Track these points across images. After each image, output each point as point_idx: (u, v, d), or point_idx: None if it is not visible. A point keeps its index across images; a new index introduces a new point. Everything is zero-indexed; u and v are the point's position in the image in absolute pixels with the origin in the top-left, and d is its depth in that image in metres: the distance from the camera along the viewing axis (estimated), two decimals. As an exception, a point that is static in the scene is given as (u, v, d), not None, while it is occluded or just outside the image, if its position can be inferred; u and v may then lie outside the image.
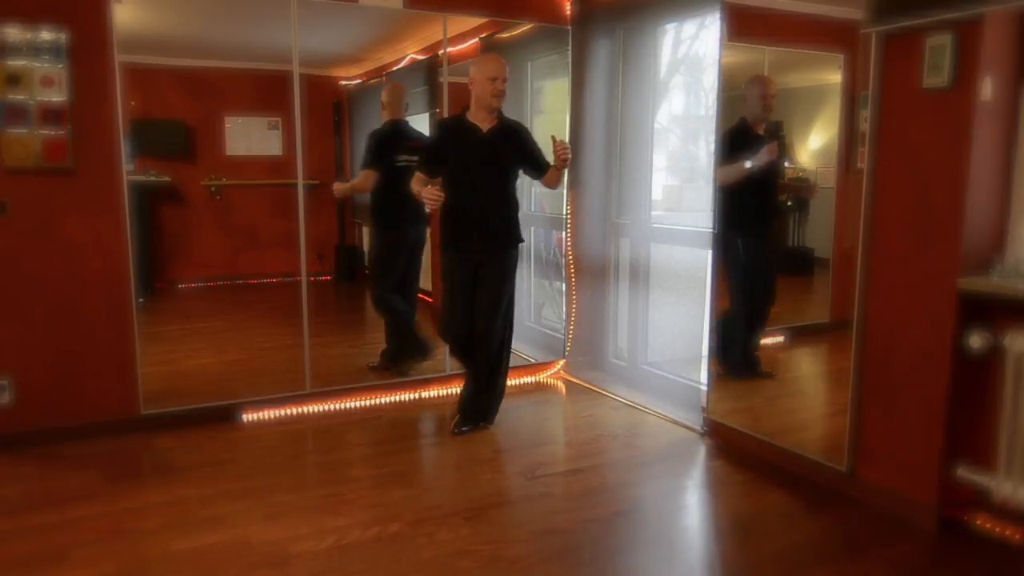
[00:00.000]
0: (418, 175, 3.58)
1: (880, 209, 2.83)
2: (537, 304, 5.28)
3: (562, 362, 4.75)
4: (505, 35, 4.56)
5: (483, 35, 4.47)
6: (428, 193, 3.40)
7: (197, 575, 2.43)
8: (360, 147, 5.57)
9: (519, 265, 3.72)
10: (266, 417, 3.88)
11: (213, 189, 5.84)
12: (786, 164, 3.70)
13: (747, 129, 3.58)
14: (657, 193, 4.71)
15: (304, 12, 3.82)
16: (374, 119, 5.96)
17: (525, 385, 4.52)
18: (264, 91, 5.46)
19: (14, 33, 3.26)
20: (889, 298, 2.83)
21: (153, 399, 3.69)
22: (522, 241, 3.67)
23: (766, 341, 3.84)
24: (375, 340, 4.73)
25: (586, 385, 4.51)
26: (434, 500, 2.98)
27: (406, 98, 4.41)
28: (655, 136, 4.54)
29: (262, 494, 2.99)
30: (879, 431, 2.89)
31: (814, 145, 3.60)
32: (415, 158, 3.98)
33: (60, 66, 3.34)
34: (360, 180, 4.43)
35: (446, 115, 4.09)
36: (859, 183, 2.89)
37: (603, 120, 4.59)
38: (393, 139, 4.33)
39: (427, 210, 3.60)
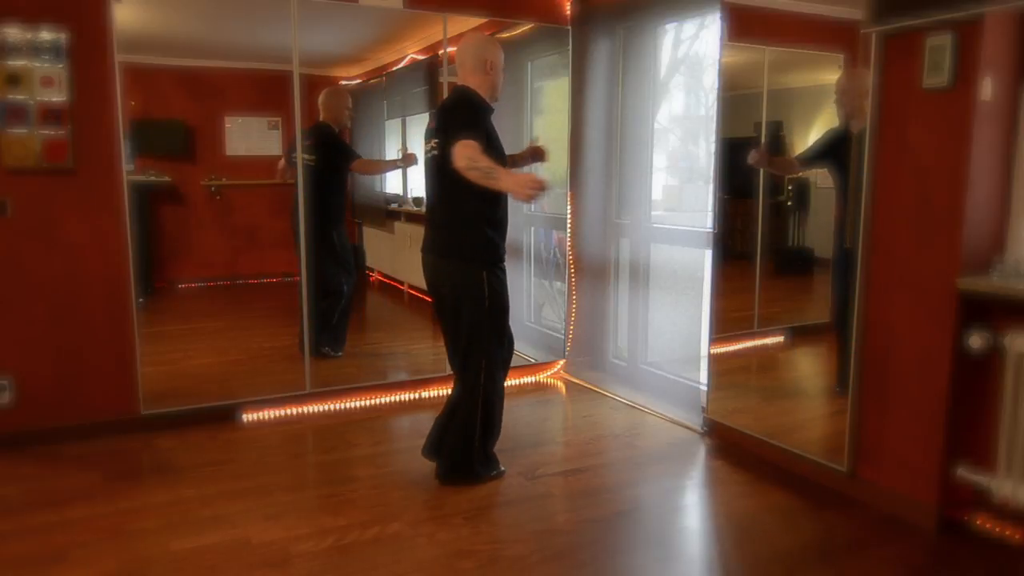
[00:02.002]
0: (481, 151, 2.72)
1: (880, 209, 2.83)
2: (537, 304, 5.28)
3: (562, 362, 4.75)
4: (505, 35, 4.56)
5: (483, 35, 4.47)
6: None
7: (197, 575, 2.43)
8: (360, 146, 5.59)
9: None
10: (266, 417, 3.88)
11: (213, 189, 5.83)
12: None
13: (838, 131, 3.32)
14: (657, 193, 4.71)
15: (304, 12, 3.82)
16: (374, 119, 5.98)
17: (525, 385, 4.52)
18: (264, 91, 5.45)
19: (14, 33, 3.26)
20: (889, 298, 2.83)
21: (153, 399, 3.69)
22: None
23: (766, 341, 3.84)
24: (376, 339, 4.74)
25: (586, 385, 4.51)
26: (434, 500, 2.98)
27: (334, 100, 4.57)
28: (655, 136, 4.53)
29: (262, 494, 2.99)
30: (879, 431, 2.89)
31: (814, 145, 3.60)
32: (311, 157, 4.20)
33: (60, 66, 3.34)
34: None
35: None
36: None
37: (603, 120, 4.59)
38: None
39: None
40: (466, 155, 2.67)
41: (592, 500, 2.99)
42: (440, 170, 2.88)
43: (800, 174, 3.59)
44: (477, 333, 2.98)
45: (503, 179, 2.66)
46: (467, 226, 2.93)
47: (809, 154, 3.44)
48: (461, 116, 2.87)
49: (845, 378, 3.07)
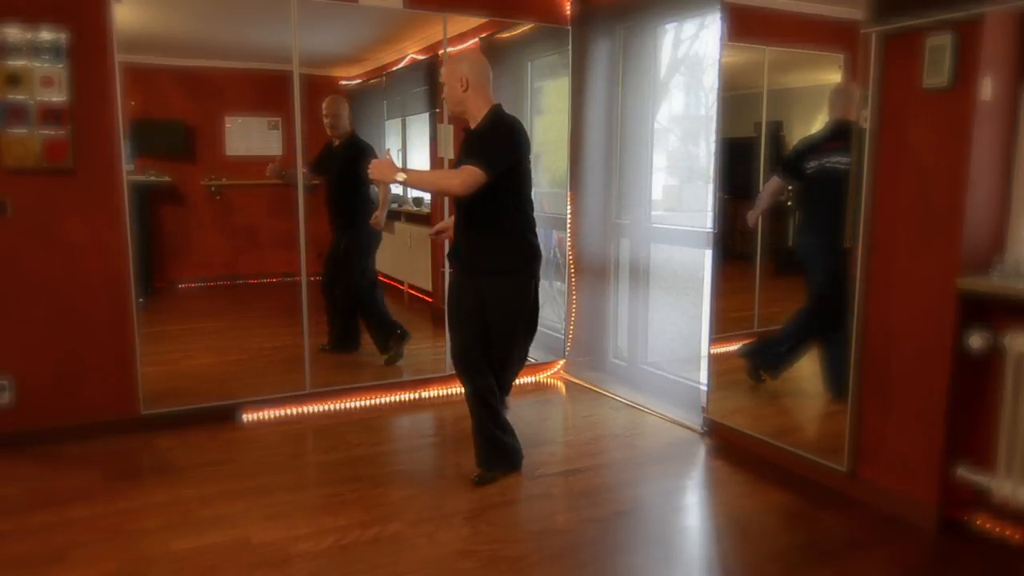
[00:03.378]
0: None
1: (880, 209, 2.83)
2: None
3: (562, 362, 4.75)
4: (505, 35, 4.56)
5: (483, 35, 4.47)
6: None
7: (197, 575, 2.43)
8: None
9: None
10: (266, 417, 3.88)
11: (213, 189, 5.83)
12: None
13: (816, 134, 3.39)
14: (657, 193, 4.71)
15: (304, 12, 3.82)
16: (374, 119, 5.97)
17: (525, 385, 4.51)
18: (264, 91, 5.45)
19: (14, 33, 3.26)
20: (889, 298, 2.83)
21: (153, 399, 3.69)
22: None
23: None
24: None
25: (586, 385, 4.51)
26: (434, 500, 2.98)
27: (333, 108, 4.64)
28: (655, 136, 4.53)
29: (262, 494, 2.99)
30: (879, 431, 2.89)
31: (814, 145, 3.60)
32: None
33: (60, 66, 3.34)
34: None
35: (447, 116, 4.06)
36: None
37: (603, 120, 4.59)
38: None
39: None
40: None
41: (592, 500, 2.99)
42: None
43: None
44: None
45: None
46: None
47: (789, 164, 3.50)
48: None
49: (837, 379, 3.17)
